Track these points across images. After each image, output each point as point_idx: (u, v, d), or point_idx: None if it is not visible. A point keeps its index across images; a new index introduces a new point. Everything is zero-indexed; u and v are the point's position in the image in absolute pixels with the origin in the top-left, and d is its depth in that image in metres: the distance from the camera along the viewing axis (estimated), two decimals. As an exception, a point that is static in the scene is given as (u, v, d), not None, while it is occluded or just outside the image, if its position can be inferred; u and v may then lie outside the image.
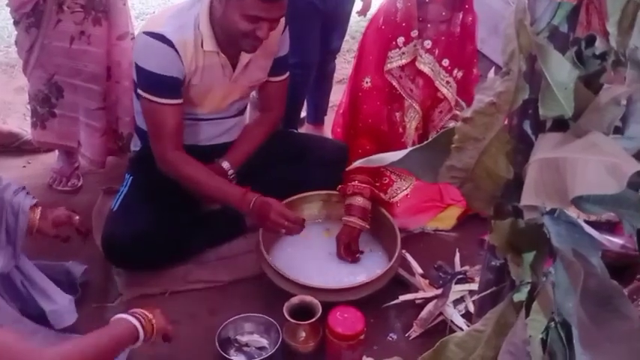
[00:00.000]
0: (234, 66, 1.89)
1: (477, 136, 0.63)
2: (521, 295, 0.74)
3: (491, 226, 0.66)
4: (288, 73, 2.07)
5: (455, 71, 2.12)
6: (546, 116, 0.60)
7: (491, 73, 0.76)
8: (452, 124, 2.30)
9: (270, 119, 2.13)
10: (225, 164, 1.98)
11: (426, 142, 0.71)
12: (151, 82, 1.80)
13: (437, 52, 2.05)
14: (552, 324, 0.77)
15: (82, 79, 2.12)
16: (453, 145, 0.65)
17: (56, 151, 2.36)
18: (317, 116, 2.75)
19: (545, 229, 0.64)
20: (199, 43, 1.80)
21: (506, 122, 0.65)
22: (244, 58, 1.88)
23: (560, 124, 0.61)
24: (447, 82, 2.13)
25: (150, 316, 1.41)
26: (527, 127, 0.63)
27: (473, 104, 0.63)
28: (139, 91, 1.83)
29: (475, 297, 0.85)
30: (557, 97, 0.59)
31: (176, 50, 1.76)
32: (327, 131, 2.71)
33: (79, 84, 2.14)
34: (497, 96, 0.61)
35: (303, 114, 2.82)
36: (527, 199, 0.56)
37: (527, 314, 0.72)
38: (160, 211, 1.92)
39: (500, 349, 0.75)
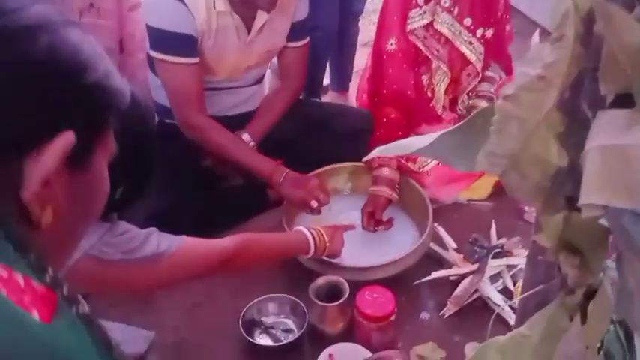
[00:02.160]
0: (248, 29, 1.80)
1: (521, 116, 0.52)
2: (575, 298, 0.64)
3: (538, 222, 0.56)
4: (308, 39, 1.96)
5: (479, 31, 1.97)
6: (608, 90, 0.49)
7: (536, 38, 0.64)
8: (485, 86, 2.18)
9: (290, 88, 2.02)
10: (245, 136, 1.89)
11: (458, 125, 0.60)
12: (164, 40, 1.72)
13: (456, 10, 1.91)
14: (610, 325, 0.66)
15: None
16: (493, 128, 0.54)
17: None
18: (341, 83, 2.63)
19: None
20: (211, 4, 1.71)
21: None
22: (259, 20, 1.78)
23: (625, 100, 0.49)
24: (470, 43, 1.99)
25: (326, 238, 1.53)
26: (583, 103, 0.52)
27: (515, 78, 0.52)
28: (153, 54, 1.76)
29: (518, 285, 0.75)
30: (622, 67, 0.48)
31: (186, 6, 1.68)
32: (352, 98, 2.59)
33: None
34: (547, 67, 0.50)
35: (327, 81, 2.70)
36: (588, 196, 0.45)
37: (584, 320, 0.62)
38: (180, 188, 1.84)
39: (550, 359, 0.65)
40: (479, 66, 2.02)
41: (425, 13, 1.90)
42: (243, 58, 1.86)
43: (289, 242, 1.51)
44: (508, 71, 2.30)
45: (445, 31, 1.93)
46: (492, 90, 2.17)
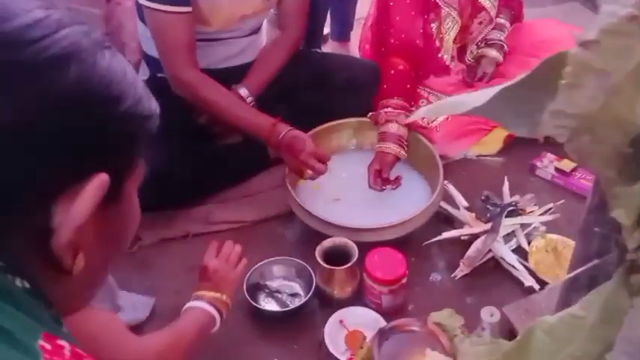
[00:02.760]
0: None
1: (603, 67, 0.42)
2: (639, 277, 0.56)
3: (614, 194, 0.47)
4: None
5: None
6: None
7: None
8: (494, 34, 2.06)
9: (290, 38, 1.90)
10: (243, 91, 1.78)
11: (519, 79, 0.50)
12: None
13: None
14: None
15: (79, 2, 1.90)
16: (564, 82, 0.45)
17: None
18: (342, 32, 2.50)
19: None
20: None
21: None
22: None
23: None
24: None
25: (223, 297, 1.28)
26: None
27: (598, 19, 0.42)
28: (142, 1, 1.62)
29: (569, 276, 0.67)
30: None
31: None
32: (354, 49, 2.47)
33: (76, 8, 1.92)
34: (640, 6, 0.40)
35: (327, 30, 2.57)
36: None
37: (651, 302, 0.54)
38: (174, 147, 1.74)
39: (609, 343, 0.57)
40: (493, 13, 1.90)
41: None
42: (240, 7, 1.73)
43: (201, 327, 1.21)
44: (518, 17, 2.18)
45: None
46: (503, 38, 2.06)
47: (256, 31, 1.89)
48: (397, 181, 1.74)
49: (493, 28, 2.05)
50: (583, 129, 0.46)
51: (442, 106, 0.59)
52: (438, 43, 1.92)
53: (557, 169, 1.89)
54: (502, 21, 2.06)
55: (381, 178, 1.73)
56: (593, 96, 0.44)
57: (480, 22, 1.95)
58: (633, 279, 0.57)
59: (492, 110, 0.51)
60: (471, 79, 2.03)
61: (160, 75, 1.84)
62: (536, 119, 0.47)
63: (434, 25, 1.89)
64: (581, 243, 0.67)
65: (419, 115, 0.62)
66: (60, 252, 0.47)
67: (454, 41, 1.97)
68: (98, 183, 0.47)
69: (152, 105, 0.56)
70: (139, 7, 1.72)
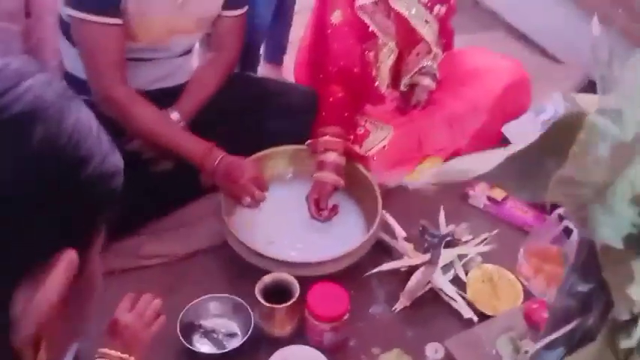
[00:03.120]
0: None
1: (621, 137, 0.40)
2: (630, 342, 0.54)
3: (627, 268, 0.45)
4: (246, 7, 1.77)
5: (437, 7, 1.87)
6: None
7: (595, 25, 0.52)
8: (427, 62, 2.07)
9: (225, 61, 1.82)
10: (175, 115, 1.69)
11: (529, 144, 0.47)
12: None
13: None
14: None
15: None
16: (575, 148, 0.42)
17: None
18: (275, 55, 2.45)
19: None
20: None
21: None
22: None
23: None
24: (427, 22, 1.88)
25: (125, 356, 1.14)
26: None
27: (617, 86, 0.40)
28: (70, 11, 1.51)
29: (544, 337, 0.65)
30: None
31: None
32: (287, 72, 2.43)
33: None
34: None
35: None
36: None
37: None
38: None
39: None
40: (433, 44, 1.92)
41: None
42: (172, 23, 1.65)
43: None
44: (449, 45, 2.21)
45: (402, 10, 1.81)
46: (435, 66, 2.08)
47: (188, 51, 1.81)
48: (334, 209, 1.70)
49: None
50: (594, 199, 0.43)
51: (448, 172, 0.55)
52: (374, 72, 1.92)
53: (489, 198, 1.91)
54: (438, 51, 2.08)
55: (320, 207, 1.69)
56: (608, 164, 0.41)
57: (418, 54, 1.96)
58: (623, 343, 0.55)
59: (499, 176, 0.47)
60: (405, 107, 2.04)
61: (82, 97, 1.72)
62: (541, 185, 0.44)
63: (371, 54, 1.88)
64: (560, 300, 0.65)
65: (424, 180, 0.58)
66: (21, 346, 0.39)
67: (389, 69, 1.97)
68: (67, 262, 0.40)
69: (117, 159, 0.50)
70: (62, 23, 1.60)
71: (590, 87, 2.42)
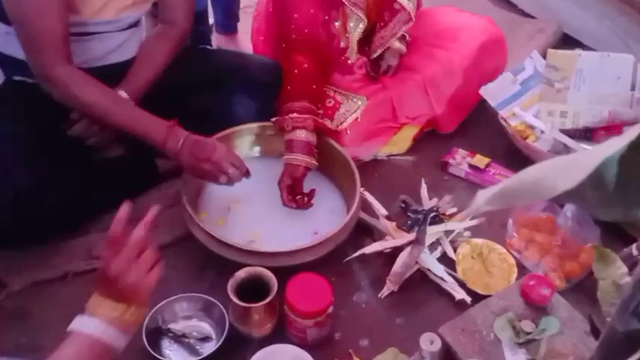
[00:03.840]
0: None
1: None
2: None
3: None
4: None
5: None
6: None
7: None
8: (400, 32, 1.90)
9: (174, 33, 1.63)
10: (122, 93, 1.50)
11: (612, 148, 0.32)
12: None
13: None
14: None
15: None
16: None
17: None
18: (227, 25, 2.25)
19: None
20: None
21: None
22: None
23: None
24: None
25: (129, 312, 0.96)
26: None
27: None
28: None
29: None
30: None
31: None
32: (243, 41, 2.24)
33: None
34: None
35: (210, 21, 2.32)
36: None
37: None
38: (41, 165, 1.44)
39: None
40: (413, 12, 1.76)
41: None
42: None
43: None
44: (418, 5, 2.05)
45: None
46: (405, 28, 1.92)
47: (135, 24, 1.61)
48: (311, 194, 1.56)
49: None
50: None
51: (516, 193, 0.39)
52: (342, 43, 1.75)
53: (470, 166, 1.80)
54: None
55: (294, 193, 1.54)
56: None
57: (395, 25, 1.80)
58: None
59: (582, 195, 0.33)
60: (376, 73, 1.88)
61: (17, 78, 1.53)
62: (634, 204, 0.30)
63: (337, 24, 1.71)
64: (622, 322, 0.52)
65: (480, 206, 0.42)
66: None
67: (358, 41, 1.80)
68: None
69: None
70: None
71: (564, 41, 2.31)
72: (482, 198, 0.39)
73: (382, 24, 1.79)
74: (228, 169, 1.41)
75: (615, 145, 0.31)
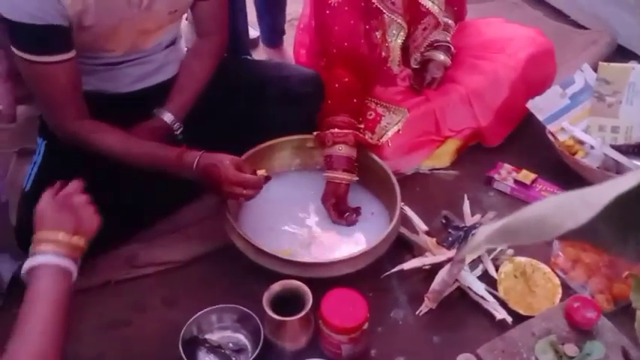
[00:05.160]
0: None
1: None
2: None
3: None
4: None
5: None
6: None
7: None
8: (439, 35, 1.88)
9: (212, 46, 1.65)
10: (167, 116, 1.53)
11: (629, 188, 0.30)
12: (24, 36, 1.30)
13: None
14: None
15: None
16: None
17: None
18: (272, 39, 2.27)
19: None
20: None
21: None
22: None
23: None
24: None
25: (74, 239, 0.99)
26: None
27: None
28: (13, 50, 1.33)
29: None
30: None
31: None
32: (289, 53, 2.26)
33: None
34: None
35: (255, 33, 2.34)
36: None
37: None
38: (87, 183, 1.46)
39: None
40: (441, 17, 1.74)
41: None
42: (144, 27, 1.47)
43: (59, 304, 0.97)
44: (461, 14, 2.03)
45: None
46: (449, 39, 1.90)
47: (173, 42, 1.63)
48: (358, 212, 1.56)
49: (444, 29, 1.89)
50: None
51: (518, 231, 0.37)
52: (384, 53, 1.74)
53: (516, 181, 1.75)
54: (447, 20, 1.90)
55: (340, 210, 1.54)
56: None
57: (425, 28, 1.78)
58: None
59: (593, 231, 0.31)
60: (419, 86, 1.86)
61: None
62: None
63: (378, 34, 1.70)
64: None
65: (478, 244, 0.40)
66: None
67: (400, 48, 1.79)
68: None
69: None
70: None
71: (619, 53, 2.23)
72: (482, 235, 0.37)
73: (412, 29, 1.77)
74: (240, 192, 1.38)
75: (627, 182, 0.29)
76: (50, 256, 0.97)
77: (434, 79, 1.85)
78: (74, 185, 1.13)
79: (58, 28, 1.30)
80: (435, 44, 1.87)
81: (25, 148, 1.74)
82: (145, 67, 1.55)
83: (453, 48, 1.88)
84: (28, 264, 0.98)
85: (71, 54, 1.35)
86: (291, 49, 2.18)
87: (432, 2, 1.71)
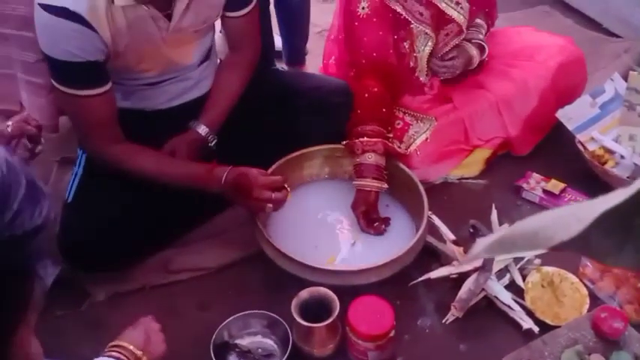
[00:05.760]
0: (168, 16, 1.42)
1: None
2: None
3: None
4: (254, 2, 1.61)
5: None
6: None
7: None
8: (473, 33, 1.85)
9: (244, 59, 1.69)
10: (202, 129, 1.58)
11: (622, 199, 0.33)
12: (63, 72, 1.37)
13: None
14: None
15: (11, 27, 1.67)
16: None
17: (-6, 119, 1.94)
18: (295, 58, 2.31)
19: None
20: (111, 0, 1.33)
21: None
22: (181, 2, 1.41)
23: None
24: (458, 3, 1.71)
25: (139, 354, 1.09)
26: None
27: None
28: (52, 81, 1.40)
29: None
30: None
31: (88, 24, 1.30)
32: (311, 69, 2.29)
33: (10, 33, 1.69)
34: None
35: (278, 45, 2.38)
36: None
37: None
38: (125, 194, 1.51)
39: None
40: (463, 24, 1.75)
41: None
42: (175, 48, 1.51)
43: None
44: (492, 16, 2.00)
45: None
46: (481, 37, 1.88)
47: (207, 57, 1.68)
48: (387, 222, 1.60)
49: (470, 27, 1.88)
50: None
51: (514, 242, 0.40)
52: (412, 63, 1.76)
53: (544, 191, 1.75)
54: (479, 21, 1.89)
55: (370, 218, 1.57)
56: None
57: (447, 34, 1.79)
58: None
59: (586, 243, 0.34)
60: (452, 77, 1.83)
61: None
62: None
63: (406, 44, 1.73)
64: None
65: (477, 254, 0.43)
66: None
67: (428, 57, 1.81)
68: None
69: (41, 209, 0.45)
70: None
71: (653, 62, 2.21)
72: (481, 246, 0.40)
73: (435, 33, 1.78)
74: (270, 196, 1.42)
75: (618, 197, 0.31)
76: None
77: (454, 59, 1.79)
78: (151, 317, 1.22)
79: (95, 63, 1.37)
80: (473, 40, 1.86)
81: (66, 157, 1.81)
82: (182, 84, 1.61)
83: (486, 47, 1.86)
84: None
85: (107, 87, 1.42)
86: (312, 67, 2.23)
87: (458, 12, 1.72)
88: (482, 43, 1.84)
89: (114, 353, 1.09)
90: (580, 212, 0.33)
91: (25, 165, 0.48)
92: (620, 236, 0.33)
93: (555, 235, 0.33)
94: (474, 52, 1.82)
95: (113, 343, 1.11)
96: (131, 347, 1.09)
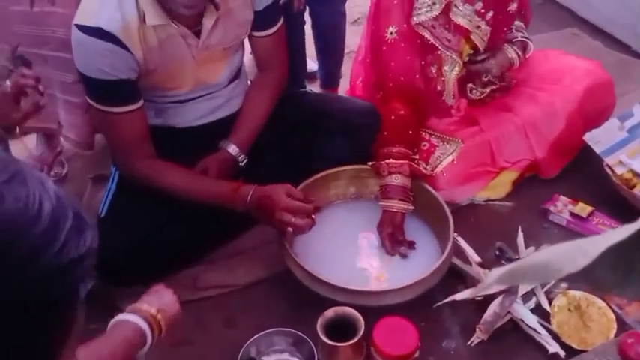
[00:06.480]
0: (197, 33, 1.48)
1: None
2: None
3: None
4: (280, 22, 1.66)
5: (489, 14, 1.73)
6: None
7: None
8: (515, 35, 1.86)
9: (273, 79, 1.73)
10: (232, 148, 1.62)
11: (628, 234, 0.35)
12: (97, 90, 1.45)
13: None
14: None
15: (51, 48, 1.75)
16: None
17: (34, 136, 2.01)
18: (330, 82, 2.37)
19: None
20: (141, 20, 1.39)
21: None
22: (208, 20, 1.47)
23: None
24: (478, 27, 1.74)
25: (154, 311, 1.12)
26: None
27: None
28: (90, 101, 1.48)
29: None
30: None
31: (121, 44, 1.37)
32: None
33: (49, 54, 1.77)
34: None
35: (314, 67, 2.43)
36: None
37: None
38: (156, 210, 1.55)
39: None
40: (482, 48, 1.78)
41: (434, 4, 1.64)
42: (204, 65, 1.56)
43: (130, 349, 1.07)
44: (526, 19, 1.99)
45: (464, 22, 1.69)
46: (520, 36, 1.89)
47: (236, 75, 1.72)
48: (412, 245, 1.61)
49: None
50: None
51: (525, 273, 0.41)
52: (439, 87, 1.78)
53: (572, 214, 1.75)
54: (518, 23, 1.90)
55: (396, 240, 1.59)
56: None
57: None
58: None
59: (593, 275, 0.35)
60: (474, 85, 1.87)
61: None
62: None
63: (433, 69, 1.75)
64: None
65: (489, 284, 0.45)
66: None
67: (455, 82, 1.83)
68: None
69: (85, 239, 0.48)
70: None
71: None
72: (494, 276, 0.42)
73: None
74: (290, 220, 1.44)
75: (622, 234, 0.33)
76: (138, 317, 1.10)
77: (489, 77, 1.85)
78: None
79: (127, 81, 1.43)
80: (513, 39, 1.87)
81: (100, 174, 1.86)
82: (212, 102, 1.65)
83: (530, 45, 1.87)
84: (123, 317, 1.10)
85: (139, 104, 1.48)
86: (339, 88, 2.27)
87: (480, 38, 1.75)
88: (525, 40, 1.86)
89: (131, 313, 1.12)
90: (586, 247, 0.34)
91: (72, 197, 0.51)
92: (625, 269, 0.35)
93: (563, 268, 0.35)
94: (512, 54, 1.84)
95: (130, 307, 1.14)
96: (146, 306, 1.13)
